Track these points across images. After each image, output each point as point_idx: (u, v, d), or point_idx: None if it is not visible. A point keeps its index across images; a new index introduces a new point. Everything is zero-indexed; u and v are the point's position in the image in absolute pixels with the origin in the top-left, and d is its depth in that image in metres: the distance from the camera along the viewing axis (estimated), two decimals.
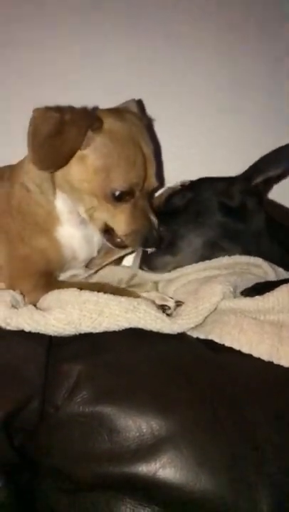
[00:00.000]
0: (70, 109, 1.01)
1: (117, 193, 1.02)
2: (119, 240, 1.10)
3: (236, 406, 0.76)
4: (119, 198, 1.03)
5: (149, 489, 0.70)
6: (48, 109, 0.99)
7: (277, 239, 1.21)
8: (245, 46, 1.51)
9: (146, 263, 1.21)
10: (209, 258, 1.14)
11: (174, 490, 0.69)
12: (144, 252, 1.22)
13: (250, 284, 1.02)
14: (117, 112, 1.09)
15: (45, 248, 1.10)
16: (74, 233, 1.13)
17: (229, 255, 1.12)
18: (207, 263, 1.13)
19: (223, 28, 1.50)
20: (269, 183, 1.24)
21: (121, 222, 1.06)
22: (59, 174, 1.05)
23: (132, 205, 1.05)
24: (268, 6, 1.49)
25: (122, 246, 1.12)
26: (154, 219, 1.09)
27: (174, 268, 1.17)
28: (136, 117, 1.11)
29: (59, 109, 0.99)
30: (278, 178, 1.24)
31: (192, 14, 1.48)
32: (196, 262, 1.14)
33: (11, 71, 1.48)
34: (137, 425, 0.73)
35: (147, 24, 1.48)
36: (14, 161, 1.19)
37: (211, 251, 1.16)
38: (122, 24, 1.47)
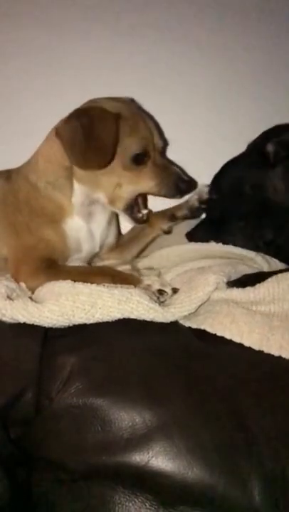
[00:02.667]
0: (87, 111, 1.11)
1: (134, 155, 1.13)
2: (140, 214, 1.23)
3: (227, 395, 0.77)
4: (138, 161, 1.14)
5: (142, 478, 0.71)
6: (67, 121, 1.09)
7: None
8: (243, 40, 1.51)
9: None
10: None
11: (167, 478, 0.70)
12: None
13: None
14: (112, 98, 1.18)
15: (51, 238, 1.16)
16: (81, 225, 1.19)
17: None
18: (201, 245, 1.17)
19: (221, 22, 1.50)
20: None
21: (148, 180, 1.16)
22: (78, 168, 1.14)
23: (152, 165, 1.17)
24: None
25: (143, 221, 1.24)
26: (176, 169, 1.20)
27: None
28: (125, 98, 1.23)
29: (76, 116, 1.09)
30: None
31: (191, 10, 1.48)
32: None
33: (10, 72, 1.49)
34: (129, 416, 0.75)
35: (146, 19, 1.48)
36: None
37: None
38: (121, 19, 1.47)
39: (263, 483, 0.70)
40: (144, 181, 1.16)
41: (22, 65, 1.47)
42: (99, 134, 1.07)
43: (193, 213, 1.31)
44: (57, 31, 1.46)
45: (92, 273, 1.10)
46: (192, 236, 1.28)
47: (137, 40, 1.48)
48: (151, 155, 1.16)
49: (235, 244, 1.19)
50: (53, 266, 1.12)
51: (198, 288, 0.95)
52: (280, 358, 0.82)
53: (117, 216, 1.40)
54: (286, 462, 0.71)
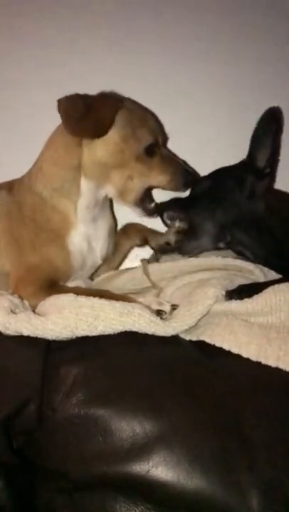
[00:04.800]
0: (90, 96, 1.13)
1: (147, 146, 1.16)
2: (151, 205, 1.26)
3: (227, 406, 0.78)
4: (150, 152, 1.17)
5: (142, 488, 0.72)
6: (69, 97, 1.10)
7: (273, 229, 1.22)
8: (244, 41, 1.52)
9: (179, 250, 1.28)
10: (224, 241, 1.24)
11: (167, 488, 0.71)
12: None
13: None
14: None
15: (55, 258, 1.16)
16: (84, 235, 1.20)
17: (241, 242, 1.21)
18: (200, 260, 1.18)
19: (223, 20, 1.51)
20: (272, 160, 1.24)
21: (158, 174, 1.20)
22: (88, 160, 1.14)
23: (160, 157, 1.20)
24: None
25: (153, 213, 1.27)
26: (180, 161, 1.25)
27: (200, 252, 1.26)
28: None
29: (80, 96, 1.11)
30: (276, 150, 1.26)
31: (190, 8, 1.49)
32: (213, 245, 1.24)
33: (10, 74, 1.51)
34: (130, 426, 0.76)
35: (144, 16, 1.49)
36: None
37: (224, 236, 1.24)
38: (119, 16, 1.48)
39: (261, 493, 0.70)
40: (155, 175, 1.19)
41: (21, 74, 1.49)
42: (98, 107, 1.09)
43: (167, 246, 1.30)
44: (57, 33, 1.48)
45: (90, 295, 1.10)
46: (159, 206, 1.29)
47: (137, 43, 1.49)
48: (160, 145, 1.20)
49: (198, 224, 1.23)
50: (53, 286, 1.13)
51: (198, 302, 0.96)
52: (278, 369, 0.83)
53: (115, 229, 1.41)
54: (285, 472, 0.71)
